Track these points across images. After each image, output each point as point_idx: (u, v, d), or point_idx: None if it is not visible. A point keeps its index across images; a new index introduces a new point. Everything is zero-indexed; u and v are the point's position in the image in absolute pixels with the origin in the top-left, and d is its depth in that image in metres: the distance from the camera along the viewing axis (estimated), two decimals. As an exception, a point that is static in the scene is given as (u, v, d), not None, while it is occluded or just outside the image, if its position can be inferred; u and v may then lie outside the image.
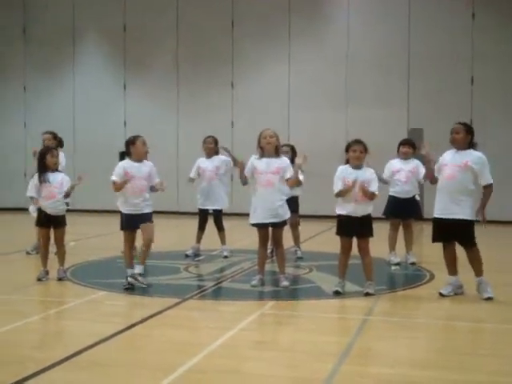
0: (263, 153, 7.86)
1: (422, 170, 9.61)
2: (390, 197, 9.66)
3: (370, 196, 7.38)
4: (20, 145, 19.17)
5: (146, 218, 7.85)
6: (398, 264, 9.48)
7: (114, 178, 7.81)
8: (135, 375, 4.78)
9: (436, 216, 7.40)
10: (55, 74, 19.12)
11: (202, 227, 10.39)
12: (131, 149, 7.90)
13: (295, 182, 8.05)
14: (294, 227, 10.12)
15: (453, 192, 7.23)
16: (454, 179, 7.22)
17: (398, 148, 9.76)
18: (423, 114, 16.48)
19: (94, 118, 18.78)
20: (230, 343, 5.59)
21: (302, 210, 10.34)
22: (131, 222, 7.83)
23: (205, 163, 10.42)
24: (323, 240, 12.57)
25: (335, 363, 4.97)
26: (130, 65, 18.59)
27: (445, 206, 7.29)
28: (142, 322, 6.27)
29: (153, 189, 8.00)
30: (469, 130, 7.37)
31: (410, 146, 9.72)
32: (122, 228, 7.93)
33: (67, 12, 18.91)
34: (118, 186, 7.75)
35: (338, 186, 7.48)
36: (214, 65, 17.82)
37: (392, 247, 9.65)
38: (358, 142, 7.57)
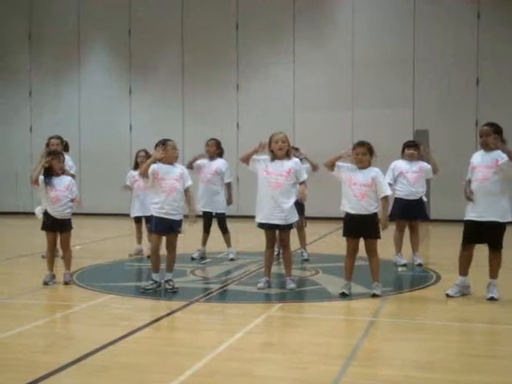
0: (274, 156, 7.85)
1: (429, 169, 9.62)
2: (397, 198, 9.63)
3: (385, 201, 7.43)
4: (26, 149, 19.23)
5: (176, 225, 7.86)
6: (404, 265, 9.47)
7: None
8: (143, 379, 4.77)
9: (470, 219, 7.26)
10: (61, 79, 19.20)
11: (206, 230, 10.39)
12: None
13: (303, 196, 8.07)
14: (300, 229, 10.11)
15: (487, 194, 7.15)
16: (488, 181, 7.14)
17: (403, 150, 9.73)
18: (428, 115, 16.49)
19: (99, 122, 18.85)
20: (237, 346, 5.58)
21: (307, 212, 10.34)
22: (160, 227, 7.80)
23: (206, 165, 10.38)
24: (329, 242, 12.58)
25: (342, 365, 4.96)
26: (135, 68, 18.65)
27: (479, 208, 7.18)
28: (148, 325, 6.28)
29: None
30: (496, 129, 7.25)
31: (416, 148, 9.69)
32: (151, 230, 7.92)
33: (72, 17, 19.00)
34: (145, 166, 7.76)
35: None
36: (219, 67, 17.87)
37: (398, 249, 9.64)
38: (360, 144, 7.54)
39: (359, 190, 7.39)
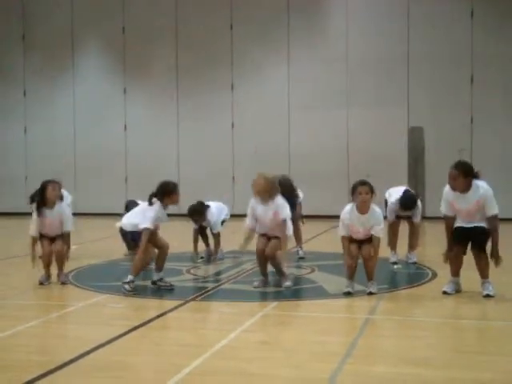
0: (256, 195, 7.89)
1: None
2: (390, 204, 9.57)
3: (377, 246, 7.40)
4: (20, 150, 19.21)
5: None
6: (395, 263, 9.44)
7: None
8: (139, 378, 4.77)
9: (463, 225, 7.28)
10: (55, 79, 19.14)
11: (202, 235, 10.31)
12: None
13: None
14: (296, 228, 10.06)
15: (471, 222, 7.23)
16: (472, 217, 7.20)
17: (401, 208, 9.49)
18: (423, 112, 16.48)
19: (94, 122, 18.81)
20: (233, 344, 5.58)
21: (303, 210, 10.34)
22: None
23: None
24: (325, 240, 12.57)
25: (339, 362, 4.96)
26: (129, 68, 18.61)
27: (465, 223, 7.26)
28: (144, 324, 6.26)
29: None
30: (466, 172, 7.16)
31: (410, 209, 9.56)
32: None
33: (66, 17, 18.94)
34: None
35: (342, 231, 7.46)
36: (214, 67, 17.84)
37: (392, 247, 9.60)
38: (363, 183, 7.40)
39: (362, 234, 7.42)
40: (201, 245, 10.30)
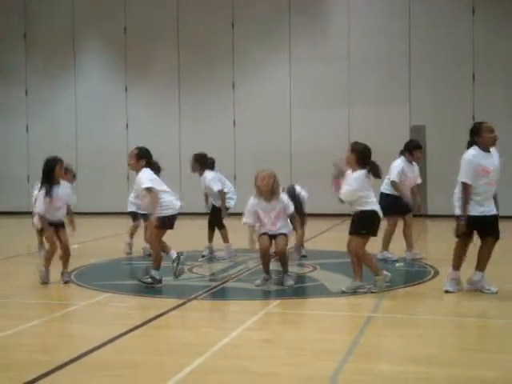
0: (260, 193, 7.88)
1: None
2: (383, 194, 9.49)
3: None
4: (22, 149, 19.20)
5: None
6: (396, 261, 9.44)
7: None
8: (141, 376, 4.77)
9: (476, 214, 7.08)
10: (57, 78, 19.13)
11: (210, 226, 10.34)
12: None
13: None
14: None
15: (492, 194, 7.21)
16: (495, 183, 7.20)
17: (410, 150, 9.53)
18: (425, 110, 16.46)
19: (95, 121, 18.80)
20: (236, 343, 5.58)
21: (306, 209, 10.34)
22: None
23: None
24: (327, 238, 12.58)
25: (340, 361, 4.97)
26: (131, 67, 18.60)
27: (486, 208, 7.14)
28: (147, 323, 6.27)
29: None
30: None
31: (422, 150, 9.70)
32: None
33: (67, 16, 18.92)
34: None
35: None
36: (215, 66, 17.82)
37: (386, 245, 9.59)
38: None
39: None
40: (202, 242, 10.32)
